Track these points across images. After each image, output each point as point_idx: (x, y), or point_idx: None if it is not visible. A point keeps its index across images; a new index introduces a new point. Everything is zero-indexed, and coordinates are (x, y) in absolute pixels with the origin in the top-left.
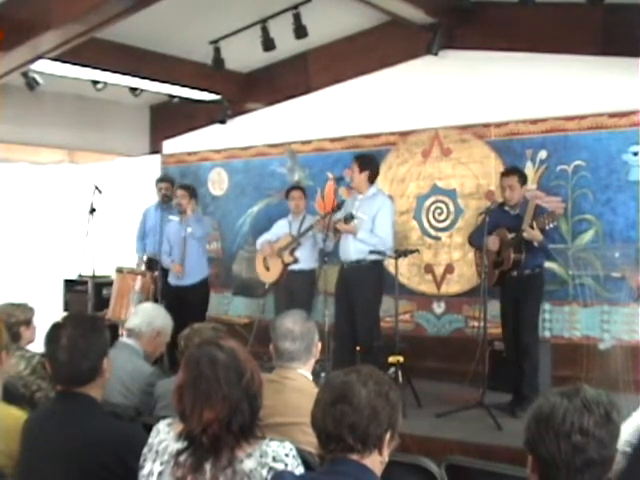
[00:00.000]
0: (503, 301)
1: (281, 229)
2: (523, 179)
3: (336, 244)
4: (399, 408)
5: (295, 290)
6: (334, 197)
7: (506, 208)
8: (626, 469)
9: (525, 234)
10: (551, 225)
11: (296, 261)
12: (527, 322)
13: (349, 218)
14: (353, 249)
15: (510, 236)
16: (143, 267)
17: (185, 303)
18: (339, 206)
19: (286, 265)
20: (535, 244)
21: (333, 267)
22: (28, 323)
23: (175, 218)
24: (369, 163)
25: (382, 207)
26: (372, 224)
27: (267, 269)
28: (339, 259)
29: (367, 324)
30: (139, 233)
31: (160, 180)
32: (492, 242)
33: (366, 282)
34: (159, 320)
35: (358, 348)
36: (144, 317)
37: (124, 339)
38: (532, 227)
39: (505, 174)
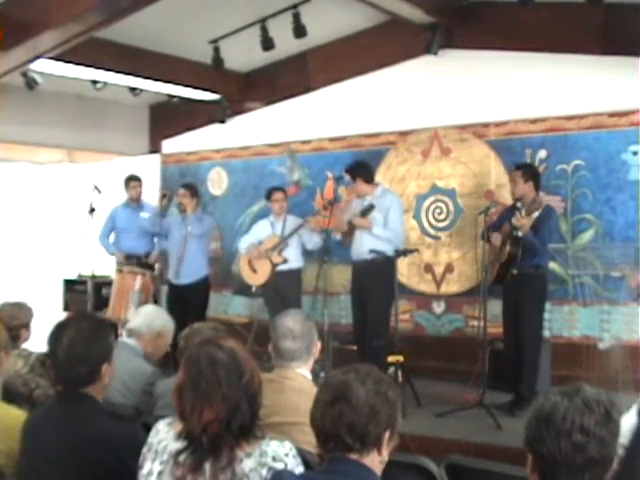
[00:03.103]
0: (505, 301)
1: (263, 231)
2: (527, 175)
3: (326, 240)
4: (398, 407)
5: (283, 290)
6: (334, 197)
7: (518, 205)
8: (619, 472)
9: (514, 219)
10: (535, 213)
11: (285, 261)
12: (528, 323)
13: (368, 210)
14: (367, 247)
15: (509, 229)
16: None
17: (185, 302)
18: (330, 202)
19: (275, 266)
20: (519, 234)
21: (333, 267)
22: (28, 325)
23: (145, 215)
24: (369, 173)
25: (393, 204)
26: (385, 221)
27: (254, 271)
28: (342, 258)
29: (375, 322)
30: (104, 232)
31: (130, 179)
32: (495, 238)
33: (377, 280)
34: (159, 321)
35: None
36: (145, 318)
37: (124, 339)
38: (522, 215)
39: (513, 168)
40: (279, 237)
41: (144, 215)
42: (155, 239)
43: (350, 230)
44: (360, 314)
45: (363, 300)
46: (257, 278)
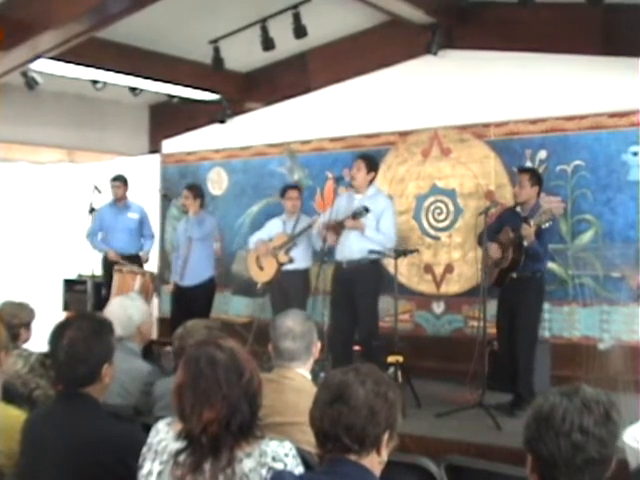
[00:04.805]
0: (501, 303)
1: (274, 228)
2: (534, 179)
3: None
4: (398, 408)
5: (289, 290)
6: (334, 197)
7: (517, 209)
8: None
9: (522, 230)
10: (547, 224)
11: (291, 261)
12: (525, 325)
13: (361, 213)
14: (357, 247)
15: (512, 235)
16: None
17: (189, 303)
18: (355, 215)
19: (281, 265)
20: (525, 243)
21: (332, 267)
22: (28, 325)
23: (134, 216)
24: (376, 165)
25: (386, 208)
26: (377, 223)
27: (260, 268)
28: (334, 258)
29: (369, 323)
30: (91, 231)
31: (112, 179)
32: (494, 250)
33: (368, 281)
34: (135, 316)
35: (357, 348)
36: (120, 322)
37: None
38: (530, 225)
39: (519, 171)
40: (288, 235)
41: (132, 216)
42: (142, 239)
43: (336, 228)
44: (348, 315)
45: (352, 302)
46: (263, 275)
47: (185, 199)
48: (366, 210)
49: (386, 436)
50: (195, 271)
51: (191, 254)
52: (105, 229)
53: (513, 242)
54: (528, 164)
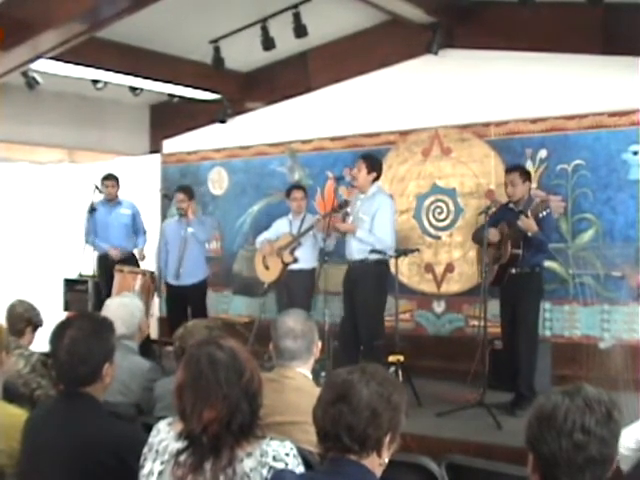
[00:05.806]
0: (502, 300)
1: (281, 228)
2: (525, 175)
3: (337, 243)
4: (402, 410)
5: (295, 289)
6: (334, 196)
7: (510, 206)
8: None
9: (519, 222)
10: (544, 212)
11: (296, 261)
12: (525, 322)
13: (344, 215)
14: (356, 248)
15: (508, 230)
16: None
17: (186, 302)
18: (340, 205)
19: (286, 265)
20: (529, 234)
21: (334, 266)
22: (35, 328)
23: (127, 211)
24: (378, 165)
25: (381, 206)
26: (371, 223)
27: (266, 268)
28: (343, 258)
29: (369, 323)
30: (88, 232)
31: (104, 178)
32: (493, 234)
33: (369, 281)
34: (136, 314)
35: (362, 347)
36: (124, 322)
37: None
38: (527, 216)
39: (507, 171)
40: (293, 236)
41: (125, 211)
42: (133, 235)
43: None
44: (351, 314)
45: (353, 300)
46: (269, 275)
47: (181, 202)
48: (346, 213)
49: (388, 438)
50: (192, 270)
51: (187, 253)
52: (100, 227)
53: (510, 236)
54: (528, 163)
